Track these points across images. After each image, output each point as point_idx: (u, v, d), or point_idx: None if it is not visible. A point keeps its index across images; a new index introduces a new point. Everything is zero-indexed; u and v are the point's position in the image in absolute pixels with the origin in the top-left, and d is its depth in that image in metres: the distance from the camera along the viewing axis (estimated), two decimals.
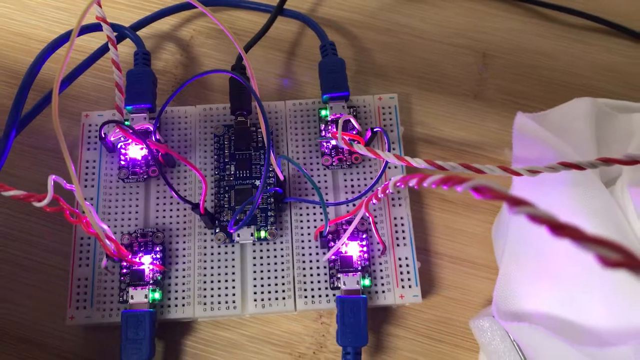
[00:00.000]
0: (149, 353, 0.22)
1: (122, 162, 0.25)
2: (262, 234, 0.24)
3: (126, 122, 0.25)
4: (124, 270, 0.23)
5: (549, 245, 0.20)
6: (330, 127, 0.26)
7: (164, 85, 0.29)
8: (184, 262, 0.24)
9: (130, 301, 0.23)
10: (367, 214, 0.22)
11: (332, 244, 0.24)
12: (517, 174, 0.18)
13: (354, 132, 0.25)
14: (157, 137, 0.24)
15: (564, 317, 0.20)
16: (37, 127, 0.27)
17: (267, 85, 0.29)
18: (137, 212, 0.25)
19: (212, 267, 0.24)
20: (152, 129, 0.24)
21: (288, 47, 0.30)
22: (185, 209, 0.25)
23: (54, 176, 0.19)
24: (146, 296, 0.23)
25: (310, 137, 0.26)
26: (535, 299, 0.21)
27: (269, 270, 0.24)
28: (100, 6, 0.24)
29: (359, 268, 0.23)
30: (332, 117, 0.26)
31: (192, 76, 0.23)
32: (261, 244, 0.24)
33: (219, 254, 0.24)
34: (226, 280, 0.24)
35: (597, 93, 0.29)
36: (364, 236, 0.24)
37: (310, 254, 0.24)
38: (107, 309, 0.23)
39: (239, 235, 0.24)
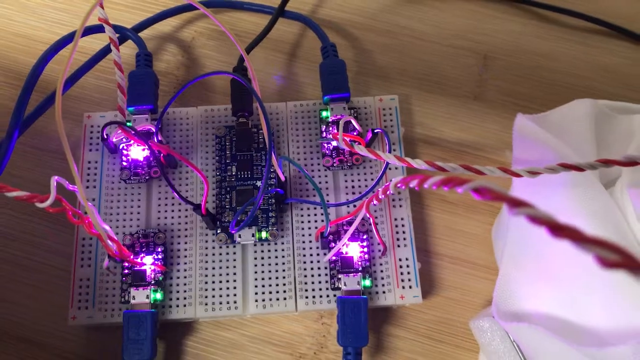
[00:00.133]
0: (151, 353, 0.22)
1: (124, 163, 0.25)
2: (263, 234, 0.24)
3: (128, 123, 0.25)
4: (126, 271, 0.23)
5: (549, 246, 0.20)
6: (331, 128, 0.26)
7: (166, 87, 0.29)
8: (185, 263, 0.24)
9: (132, 301, 0.23)
10: (367, 215, 0.22)
11: (333, 244, 0.24)
12: (517, 175, 0.18)
13: (355, 133, 0.25)
14: (159, 138, 0.24)
15: (563, 317, 0.20)
16: (39, 128, 0.27)
17: (268, 87, 0.29)
18: (138, 213, 0.25)
19: (213, 268, 0.24)
20: (154, 130, 0.24)
21: (289, 48, 0.30)
22: (186, 210, 0.25)
23: (56, 177, 0.19)
24: (148, 296, 0.23)
25: (311, 138, 0.26)
26: (534, 299, 0.21)
27: (270, 271, 0.24)
28: (102, 8, 0.24)
29: (360, 269, 0.23)
30: (333, 118, 0.26)
31: (193, 77, 0.23)
32: (262, 245, 0.24)
33: (221, 254, 0.24)
34: (227, 281, 0.24)
35: (597, 94, 0.29)
36: (365, 237, 0.24)
37: (311, 255, 0.24)
38: (108, 309, 0.23)
39: (240, 236, 0.24)
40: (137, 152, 0.25)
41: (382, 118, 0.27)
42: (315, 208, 0.25)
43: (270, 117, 0.27)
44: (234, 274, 0.24)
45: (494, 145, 0.28)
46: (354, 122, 0.25)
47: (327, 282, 0.24)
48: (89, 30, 0.27)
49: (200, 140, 0.26)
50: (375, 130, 0.25)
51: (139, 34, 0.28)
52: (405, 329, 0.24)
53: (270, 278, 0.24)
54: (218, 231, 0.24)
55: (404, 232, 0.25)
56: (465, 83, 0.29)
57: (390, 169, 0.26)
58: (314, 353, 0.24)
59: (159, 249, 0.24)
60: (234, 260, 0.24)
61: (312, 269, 0.24)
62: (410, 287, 0.24)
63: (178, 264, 0.24)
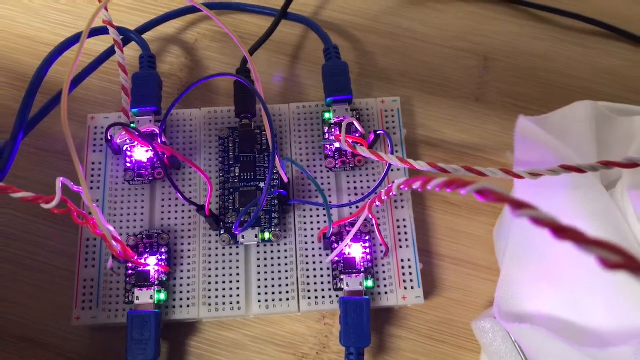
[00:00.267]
0: (154, 353, 0.22)
1: (128, 165, 0.25)
2: (267, 235, 0.24)
3: (132, 125, 0.25)
4: (130, 272, 0.23)
5: (551, 247, 0.20)
6: (333, 130, 0.26)
7: (169, 88, 0.29)
8: (189, 264, 0.24)
9: (136, 302, 0.23)
10: (370, 216, 0.23)
11: (336, 245, 0.24)
12: (519, 176, 0.19)
13: (357, 135, 0.25)
14: (163, 139, 0.24)
15: (565, 318, 0.20)
16: (43, 130, 0.27)
17: (270, 89, 0.29)
18: (142, 214, 0.25)
19: (216, 269, 0.24)
20: (157, 131, 0.25)
21: (292, 50, 0.30)
22: (190, 211, 0.25)
23: (62, 178, 0.20)
24: (151, 297, 0.23)
25: (313, 139, 0.26)
26: (536, 300, 0.21)
27: (273, 272, 0.24)
28: (107, 10, 0.24)
29: (362, 269, 0.24)
30: (336, 119, 0.26)
31: (196, 79, 0.23)
32: (265, 246, 0.24)
33: (224, 255, 0.24)
34: (231, 282, 0.24)
35: (597, 96, 0.29)
36: (367, 238, 0.24)
37: (314, 256, 0.24)
38: (112, 310, 0.23)
39: (243, 237, 0.24)
40: (141, 153, 0.25)
41: (384, 120, 0.27)
42: (317, 209, 0.25)
43: (273, 119, 0.27)
44: (237, 274, 0.24)
45: (495, 146, 0.28)
46: (356, 123, 0.25)
47: (329, 282, 0.24)
48: (94, 32, 0.27)
49: (204, 141, 0.26)
50: (378, 132, 0.25)
51: (143, 36, 0.28)
52: (407, 330, 0.24)
53: (273, 279, 0.24)
54: (221, 232, 0.24)
55: (406, 233, 0.25)
56: (465, 85, 0.29)
57: (392, 170, 0.26)
58: (316, 353, 0.24)
59: (163, 250, 0.24)
60: (237, 261, 0.24)
61: (314, 269, 0.24)
62: (412, 287, 0.24)
63: (182, 264, 0.24)
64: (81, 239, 0.24)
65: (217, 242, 0.24)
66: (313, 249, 0.24)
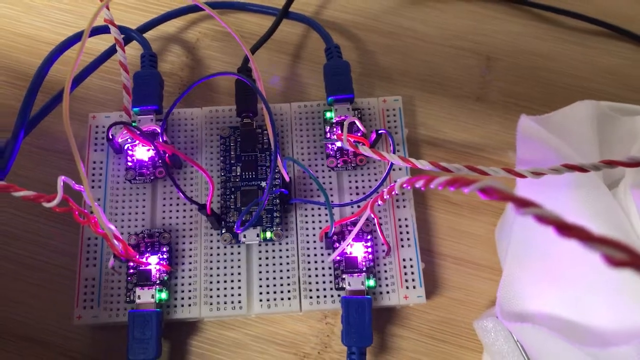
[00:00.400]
0: (156, 353, 0.22)
1: (129, 164, 0.25)
2: (268, 234, 0.24)
3: (133, 124, 0.25)
4: (131, 271, 0.23)
5: (553, 246, 0.20)
6: (335, 129, 0.26)
7: (170, 87, 0.29)
8: (190, 263, 0.24)
9: (137, 301, 0.23)
10: (372, 215, 0.23)
11: (337, 244, 0.24)
12: (521, 175, 0.19)
13: (359, 134, 0.25)
14: (164, 138, 0.24)
15: (567, 317, 0.20)
16: (45, 129, 0.27)
17: (272, 88, 0.29)
18: (144, 213, 0.25)
19: (218, 268, 0.24)
20: (159, 130, 0.25)
21: (293, 49, 0.30)
22: (191, 210, 0.25)
23: (63, 177, 0.20)
24: (153, 296, 0.23)
25: (315, 139, 0.26)
26: (538, 299, 0.21)
27: (274, 271, 0.24)
28: (108, 9, 0.24)
29: (364, 269, 0.24)
30: (337, 119, 0.26)
31: (198, 78, 0.23)
32: (267, 245, 0.24)
33: (225, 254, 0.24)
34: (232, 281, 0.24)
35: (599, 96, 0.29)
36: (369, 237, 0.24)
37: (316, 255, 0.24)
38: (114, 309, 0.23)
39: (245, 236, 0.24)
40: (142, 152, 0.25)
41: (385, 119, 0.27)
42: (319, 208, 0.25)
43: (274, 118, 0.27)
44: (239, 273, 0.24)
45: (496, 145, 0.28)
46: (358, 123, 0.25)
47: (331, 282, 0.24)
48: (95, 31, 0.27)
49: (205, 140, 0.26)
50: (379, 131, 0.25)
51: (144, 35, 0.28)
52: (409, 329, 0.24)
53: (274, 278, 0.24)
54: (223, 231, 0.24)
55: (407, 233, 0.25)
56: (467, 84, 0.29)
57: (394, 169, 0.26)
58: (318, 353, 0.24)
59: (164, 249, 0.24)
60: (239, 260, 0.24)
61: (316, 269, 0.24)
62: (414, 287, 0.24)
63: (183, 263, 0.24)
64: (82, 238, 0.24)
65: (218, 241, 0.24)
66: (315, 248, 0.24)
